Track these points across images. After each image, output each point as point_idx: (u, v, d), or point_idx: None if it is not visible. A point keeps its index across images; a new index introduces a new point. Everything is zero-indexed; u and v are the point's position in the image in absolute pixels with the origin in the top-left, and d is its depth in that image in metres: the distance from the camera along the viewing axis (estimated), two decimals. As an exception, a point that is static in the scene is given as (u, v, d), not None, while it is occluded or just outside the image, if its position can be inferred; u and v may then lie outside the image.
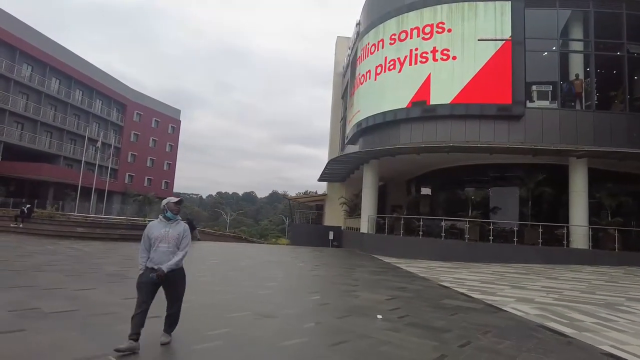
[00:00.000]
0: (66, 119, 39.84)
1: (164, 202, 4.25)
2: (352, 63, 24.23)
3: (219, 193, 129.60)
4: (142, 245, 4.14)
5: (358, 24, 23.32)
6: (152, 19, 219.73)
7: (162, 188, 55.21)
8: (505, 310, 7.00)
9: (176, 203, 4.25)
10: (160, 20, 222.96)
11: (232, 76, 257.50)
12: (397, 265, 13.91)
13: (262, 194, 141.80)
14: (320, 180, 29.54)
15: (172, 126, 56.91)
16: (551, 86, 16.31)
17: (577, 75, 16.32)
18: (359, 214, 23.83)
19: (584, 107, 16.29)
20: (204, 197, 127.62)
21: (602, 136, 15.65)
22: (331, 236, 27.22)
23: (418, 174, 22.76)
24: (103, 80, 44.93)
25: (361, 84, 19.96)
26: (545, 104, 16.13)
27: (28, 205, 19.28)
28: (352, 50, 25.69)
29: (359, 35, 21.86)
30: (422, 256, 16.00)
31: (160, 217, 4.23)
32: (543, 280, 11.04)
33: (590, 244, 15.08)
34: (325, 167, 24.11)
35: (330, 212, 29.87)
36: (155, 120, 53.54)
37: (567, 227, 15.53)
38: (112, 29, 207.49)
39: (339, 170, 23.97)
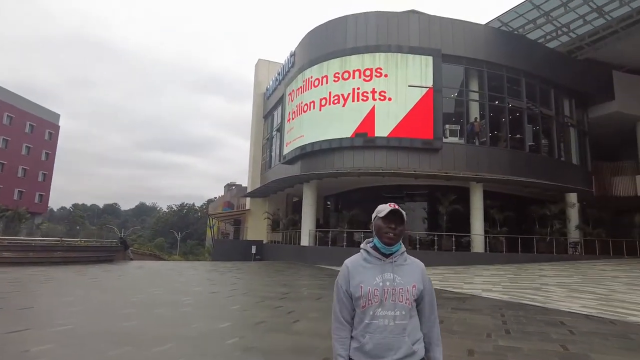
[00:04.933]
0: None
1: (376, 215, 1.99)
2: (284, 88, 26.18)
3: (74, 205, 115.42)
4: (337, 311, 2.00)
5: (293, 55, 25.51)
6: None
7: (36, 202, 48.67)
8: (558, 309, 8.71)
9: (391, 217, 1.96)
10: None
11: (83, 71, 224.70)
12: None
13: (126, 205, 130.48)
14: (247, 195, 30.61)
15: (49, 132, 50.53)
16: (459, 126, 20.90)
17: (475, 119, 21.21)
18: (284, 228, 25.91)
19: (479, 143, 21.27)
20: (54, 209, 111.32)
21: (494, 166, 20.69)
22: (254, 250, 28.57)
23: (337, 191, 25.77)
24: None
25: (304, 111, 22.15)
26: (455, 139, 20.58)
27: None
28: (281, 75, 27.69)
29: (298, 67, 23.96)
30: (363, 264, 18.77)
31: (365, 248, 2.05)
32: (498, 277, 14.19)
33: (488, 248, 19.80)
34: (266, 184, 25.56)
35: (252, 226, 31.06)
36: (29, 124, 47.01)
37: (470, 235, 20.09)
38: None
39: (274, 188, 25.60)
